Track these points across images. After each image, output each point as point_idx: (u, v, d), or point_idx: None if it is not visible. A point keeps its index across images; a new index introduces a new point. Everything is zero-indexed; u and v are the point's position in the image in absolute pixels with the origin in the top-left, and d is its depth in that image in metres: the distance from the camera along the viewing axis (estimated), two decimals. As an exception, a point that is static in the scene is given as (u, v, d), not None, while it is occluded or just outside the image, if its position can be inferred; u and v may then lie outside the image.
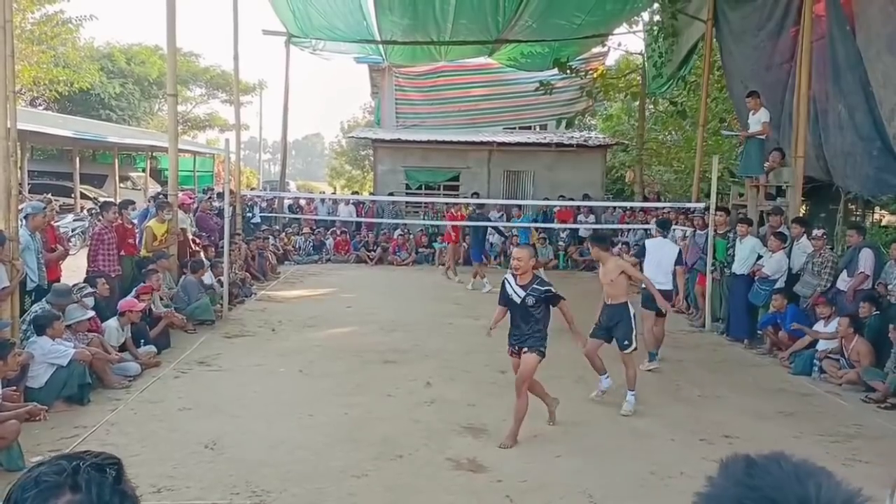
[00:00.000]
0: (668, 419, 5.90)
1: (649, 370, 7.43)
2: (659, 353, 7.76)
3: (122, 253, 8.71)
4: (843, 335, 7.23)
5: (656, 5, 15.08)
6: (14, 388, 5.41)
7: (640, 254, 7.97)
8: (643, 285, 7.32)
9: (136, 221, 9.62)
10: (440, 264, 15.26)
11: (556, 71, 17.37)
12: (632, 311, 6.22)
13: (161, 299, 8.35)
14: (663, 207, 15.52)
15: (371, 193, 21.96)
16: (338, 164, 44.39)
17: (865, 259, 7.68)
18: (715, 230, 9.72)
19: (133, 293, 7.81)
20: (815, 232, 8.59)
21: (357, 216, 17.99)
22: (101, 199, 18.08)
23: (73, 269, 9.18)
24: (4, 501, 1.07)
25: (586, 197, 17.43)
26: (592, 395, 6.39)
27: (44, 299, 6.62)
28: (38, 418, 5.36)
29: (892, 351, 6.78)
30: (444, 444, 5.21)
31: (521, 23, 14.60)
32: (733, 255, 9.15)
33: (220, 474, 4.55)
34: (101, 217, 8.68)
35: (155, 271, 8.33)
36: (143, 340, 7.38)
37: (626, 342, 6.14)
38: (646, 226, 15.61)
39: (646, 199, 18.34)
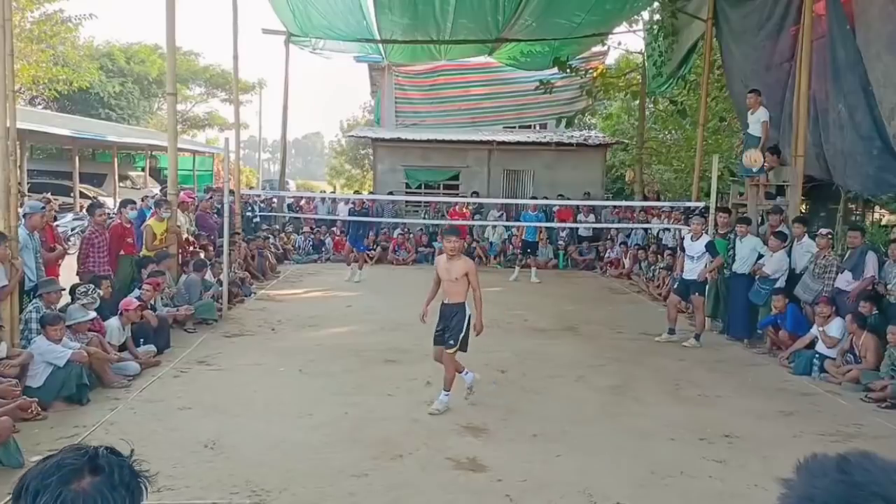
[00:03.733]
0: (668, 419, 5.90)
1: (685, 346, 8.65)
2: (701, 337, 8.80)
3: (122, 252, 8.70)
4: (850, 332, 7.24)
5: (656, 4, 15.07)
6: (15, 382, 5.41)
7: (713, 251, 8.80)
8: (678, 272, 9.03)
9: (133, 221, 9.59)
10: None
11: (555, 70, 17.36)
12: (468, 312, 5.94)
13: (161, 299, 8.35)
14: (663, 206, 15.54)
15: (361, 192, 21.95)
16: (337, 164, 44.34)
17: (871, 262, 7.69)
18: (716, 230, 9.73)
19: (139, 288, 7.86)
20: (822, 231, 8.56)
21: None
22: (98, 199, 18.06)
23: (73, 269, 9.16)
24: (18, 492, 1.07)
25: (586, 195, 17.43)
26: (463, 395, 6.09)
27: (35, 297, 6.63)
28: (30, 411, 5.33)
29: (887, 353, 6.78)
30: (444, 444, 5.20)
31: (520, 22, 14.59)
32: (734, 256, 9.14)
33: (219, 474, 4.55)
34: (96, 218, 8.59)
35: (162, 272, 8.35)
36: (142, 340, 7.38)
37: (451, 341, 5.89)
38: (646, 225, 15.63)
39: (646, 199, 18.33)
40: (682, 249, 9.49)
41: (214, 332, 8.74)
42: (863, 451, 0.90)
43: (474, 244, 16.53)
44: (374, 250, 16.21)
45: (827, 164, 9.44)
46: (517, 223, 15.83)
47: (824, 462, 0.90)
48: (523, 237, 14.54)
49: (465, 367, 6.13)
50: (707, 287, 9.05)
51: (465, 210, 15.07)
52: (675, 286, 9.32)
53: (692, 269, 8.80)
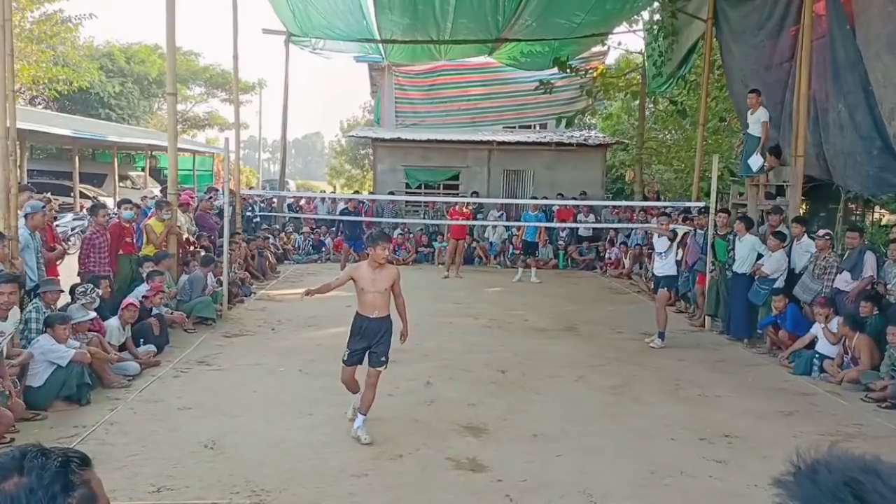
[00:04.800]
0: (668, 419, 5.90)
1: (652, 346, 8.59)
2: (665, 334, 8.79)
3: (121, 252, 8.69)
4: (843, 335, 7.26)
5: (656, 4, 15.06)
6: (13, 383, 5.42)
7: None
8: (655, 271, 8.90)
9: (130, 220, 9.54)
10: (440, 263, 15.26)
11: (555, 70, 17.36)
12: (392, 324, 5.44)
13: (161, 300, 8.35)
14: (663, 207, 15.53)
15: (361, 192, 21.96)
16: (337, 164, 44.36)
17: (870, 262, 7.69)
18: (715, 230, 9.73)
19: (140, 295, 7.84)
20: (819, 232, 8.56)
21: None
22: (99, 199, 18.07)
23: (73, 269, 9.16)
24: None
25: (583, 195, 17.43)
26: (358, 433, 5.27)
27: (36, 297, 6.63)
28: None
29: (886, 353, 6.78)
30: (444, 444, 5.21)
31: (520, 22, 14.59)
32: (734, 258, 9.13)
33: (219, 474, 4.55)
34: (98, 219, 8.58)
35: (160, 273, 8.34)
36: (142, 340, 7.38)
37: (383, 358, 5.38)
38: (646, 226, 15.63)
39: (646, 199, 18.33)
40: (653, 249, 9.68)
41: (214, 332, 8.74)
42: (871, 465, 0.83)
43: (474, 244, 16.53)
44: None
45: (827, 164, 9.44)
46: (517, 223, 15.83)
47: (831, 478, 0.82)
48: (523, 237, 14.45)
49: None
50: (708, 285, 9.04)
51: (465, 209, 15.03)
52: (653, 286, 9.44)
53: (661, 265, 8.97)
